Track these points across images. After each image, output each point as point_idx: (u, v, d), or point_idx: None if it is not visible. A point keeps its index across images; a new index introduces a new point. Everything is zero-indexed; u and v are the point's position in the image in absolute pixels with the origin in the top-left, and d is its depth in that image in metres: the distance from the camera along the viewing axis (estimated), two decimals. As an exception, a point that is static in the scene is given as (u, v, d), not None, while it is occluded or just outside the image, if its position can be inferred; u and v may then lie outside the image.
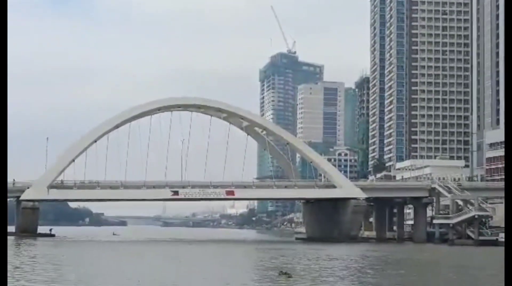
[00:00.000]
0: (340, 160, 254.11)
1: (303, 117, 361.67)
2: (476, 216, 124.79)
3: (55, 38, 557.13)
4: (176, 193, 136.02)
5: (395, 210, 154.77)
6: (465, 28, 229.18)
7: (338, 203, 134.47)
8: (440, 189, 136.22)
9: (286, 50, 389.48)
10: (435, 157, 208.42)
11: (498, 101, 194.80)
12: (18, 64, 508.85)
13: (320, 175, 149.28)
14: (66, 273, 52.93)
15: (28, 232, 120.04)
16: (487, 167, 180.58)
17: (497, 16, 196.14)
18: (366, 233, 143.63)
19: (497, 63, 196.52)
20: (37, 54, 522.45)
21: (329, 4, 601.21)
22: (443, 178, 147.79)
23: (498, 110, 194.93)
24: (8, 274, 48.60)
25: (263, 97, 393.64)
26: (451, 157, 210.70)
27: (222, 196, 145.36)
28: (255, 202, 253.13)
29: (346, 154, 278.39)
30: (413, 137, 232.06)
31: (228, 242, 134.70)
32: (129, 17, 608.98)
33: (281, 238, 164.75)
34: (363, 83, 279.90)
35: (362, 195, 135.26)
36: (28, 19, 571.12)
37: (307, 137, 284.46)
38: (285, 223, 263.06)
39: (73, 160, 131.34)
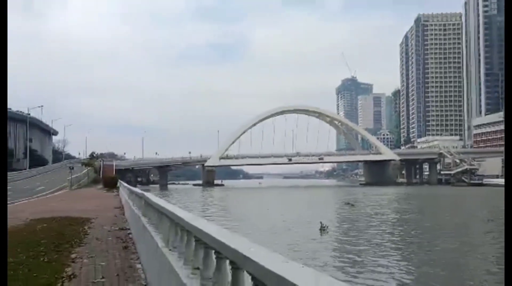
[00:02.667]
0: (384, 138, 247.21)
1: (362, 114, 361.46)
2: (467, 169, 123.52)
3: (218, 74, 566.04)
4: (290, 160, 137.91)
5: (417, 166, 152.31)
6: (458, 57, 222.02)
7: (383, 163, 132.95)
8: (445, 153, 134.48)
9: (351, 76, 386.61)
10: (441, 134, 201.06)
11: (480, 100, 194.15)
12: (188, 90, 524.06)
13: (372, 147, 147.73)
14: (231, 204, 54.50)
15: (209, 183, 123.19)
16: (474, 139, 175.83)
17: (479, 50, 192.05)
18: (400, 180, 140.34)
19: (479, 77, 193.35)
20: (209, 84, 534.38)
21: (375, 46, 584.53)
22: (446, 147, 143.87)
23: (480, 105, 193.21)
24: (198, 205, 50.67)
25: (338, 104, 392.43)
26: (451, 134, 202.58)
27: (316, 161, 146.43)
28: (335, 163, 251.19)
29: (387, 134, 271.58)
30: (427, 123, 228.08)
31: (319, 186, 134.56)
32: (258, 58, 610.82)
33: (350, 184, 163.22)
34: (396, 93, 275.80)
35: (397, 158, 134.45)
36: (202, 63, 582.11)
37: (364, 125, 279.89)
38: (353, 175, 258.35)
39: (233, 142, 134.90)
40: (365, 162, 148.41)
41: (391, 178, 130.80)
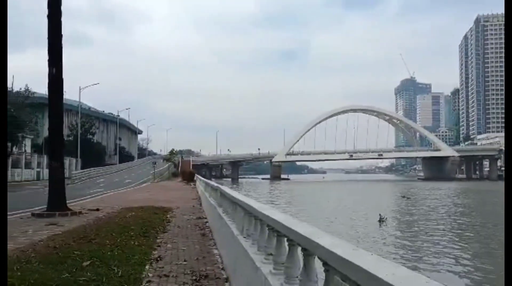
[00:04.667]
0: (442, 135, 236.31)
1: (420, 112, 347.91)
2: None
3: (283, 76, 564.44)
4: (351, 156, 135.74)
5: (477, 162, 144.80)
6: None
7: (442, 159, 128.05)
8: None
9: (409, 76, 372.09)
10: (501, 131, 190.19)
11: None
12: (255, 92, 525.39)
13: (431, 144, 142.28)
14: (296, 196, 54.37)
15: (276, 177, 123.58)
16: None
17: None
18: (460, 175, 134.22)
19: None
20: (275, 86, 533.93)
21: (433, 47, 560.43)
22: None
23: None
24: (266, 197, 50.94)
25: (397, 103, 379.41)
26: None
27: (376, 156, 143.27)
28: (394, 159, 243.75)
29: (446, 132, 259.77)
30: (487, 121, 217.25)
31: (378, 180, 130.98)
32: (319, 61, 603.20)
33: (409, 178, 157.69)
34: (455, 92, 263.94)
35: (456, 154, 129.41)
36: (268, 66, 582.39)
37: (423, 123, 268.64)
38: (411, 170, 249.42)
39: (298, 140, 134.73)
40: (424, 158, 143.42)
41: (450, 173, 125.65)
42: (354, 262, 1.78)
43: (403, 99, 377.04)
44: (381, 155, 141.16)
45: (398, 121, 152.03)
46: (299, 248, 2.92)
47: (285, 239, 3.35)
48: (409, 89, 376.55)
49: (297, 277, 3.03)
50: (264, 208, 4.57)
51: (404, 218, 30.18)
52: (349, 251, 1.99)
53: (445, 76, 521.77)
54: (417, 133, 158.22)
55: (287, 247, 3.31)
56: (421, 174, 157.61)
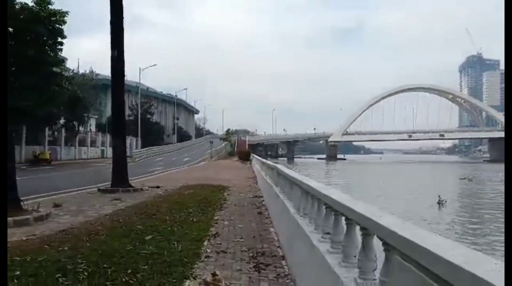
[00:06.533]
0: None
1: (487, 91, 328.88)
2: None
3: (341, 55, 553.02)
4: (410, 136, 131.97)
5: None
6: None
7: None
8: None
9: (476, 53, 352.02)
10: None
11: None
12: (317, 74, 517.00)
13: (498, 123, 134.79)
14: (351, 176, 53.57)
15: (332, 158, 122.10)
16: None
17: None
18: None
19: None
20: (333, 65, 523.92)
21: (500, 21, 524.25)
22: None
23: None
24: (322, 176, 50.58)
25: (461, 81, 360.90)
26: None
27: (437, 137, 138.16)
28: (457, 140, 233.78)
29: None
30: None
31: (439, 162, 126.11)
32: (378, 40, 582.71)
33: (473, 160, 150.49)
34: None
35: None
36: (326, 46, 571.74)
37: (489, 102, 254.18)
38: (476, 152, 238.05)
39: (355, 120, 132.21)
40: (490, 138, 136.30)
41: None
42: (417, 242, 1.76)
43: (468, 77, 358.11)
44: (443, 135, 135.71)
45: (462, 100, 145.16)
46: (357, 227, 2.90)
47: (343, 218, 3.33)
48: (475, 66, 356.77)
49: (355, 256, 3.02)
50: (322, 187, 4.56)
51: (465, 201, 29.10)
52: (411, 231, 1.96)
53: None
54: (483, 113, 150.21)
55: (345, 226, 3.29)
56: (487, 155, 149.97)
